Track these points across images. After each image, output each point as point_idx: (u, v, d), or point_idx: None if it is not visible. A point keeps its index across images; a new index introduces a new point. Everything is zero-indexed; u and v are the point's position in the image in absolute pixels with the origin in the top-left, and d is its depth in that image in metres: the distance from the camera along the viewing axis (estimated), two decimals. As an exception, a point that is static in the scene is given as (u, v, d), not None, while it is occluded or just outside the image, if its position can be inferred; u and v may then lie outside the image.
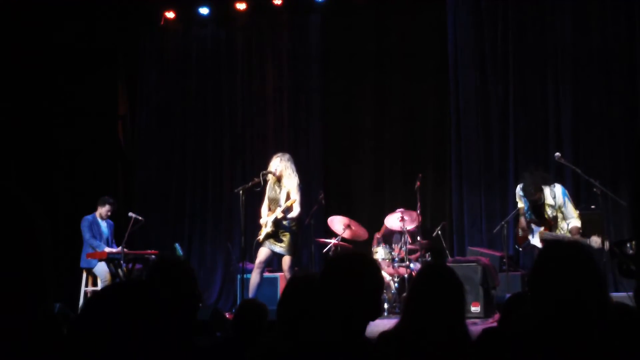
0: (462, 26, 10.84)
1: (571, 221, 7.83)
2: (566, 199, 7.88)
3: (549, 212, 7.92)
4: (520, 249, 8.46)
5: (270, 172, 8.56)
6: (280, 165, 8.47)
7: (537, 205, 7.98)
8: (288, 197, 8.38)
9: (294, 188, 8.40)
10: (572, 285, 2.41)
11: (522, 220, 8.11)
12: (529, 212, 8.08)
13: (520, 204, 8.21)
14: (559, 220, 7.92)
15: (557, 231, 7.88)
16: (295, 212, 8.41)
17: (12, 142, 11.19)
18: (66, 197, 11.11)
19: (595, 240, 7.46)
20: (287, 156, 8.59)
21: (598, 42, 10.22)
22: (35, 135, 11.29)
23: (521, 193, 8.09)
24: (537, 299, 2.49)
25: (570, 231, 7.79)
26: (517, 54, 10.55)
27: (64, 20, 11.05)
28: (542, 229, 7.97)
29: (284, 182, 8.46)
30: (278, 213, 8.30)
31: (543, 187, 7.86)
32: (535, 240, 8.00)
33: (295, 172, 8.53)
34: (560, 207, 7.87)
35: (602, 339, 2.35)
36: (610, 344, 2.35)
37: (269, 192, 8.61)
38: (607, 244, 7.53)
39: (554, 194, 7.92)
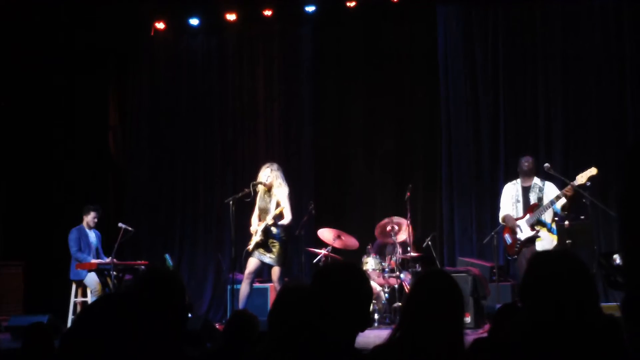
0: (452, 35, 10.89)
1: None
2: (556, 190, 8.09)
3: (536, 191, 8.11)
4: (515, 257, 8.40)
5: (261, 183, 8.59)
6: (271, 175, 8.50)
7: (527, 184, 8.21)
8: (278, 206, 8.40)
9: (284, 197, 8.44)
10: (565, 292, 2.42)
11: (510, 219, 8.20)
12: (512, 201, 8.19)
13: (505, 209, 8.27)
14: (543, 202, 8.05)
15: (542, 207, 8.00)
16: (286, 219, 8.43)
17: (2, 153, 11.17)
18: (56, 207, 11.08)
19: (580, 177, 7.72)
20: (275, 165, 8.63)
21: (588, 50, 10.30)
22: (26, 147, 11.28)
23: (514, 182, 8.35)
24: (530, 307, 2.50)
25: (553, 199, 7.93)
26: (507, 63, 10.61)
27: (54, 32, 11.05)
28: (527, 216, 8.05)
29: (274, 192, 8.49)
30: (268, 220, 8.32)
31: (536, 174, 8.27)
32: (525, 232, 8.04)
33: (285, 181, 8.57)
34: (547, 194, 8.08)
35: (593, 346, 2.36)
36: (600, 352, 2.37)
37: (259, 202, 8.63)
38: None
39: (544, 183, 8.21)
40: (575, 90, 10.35)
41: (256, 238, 8.43)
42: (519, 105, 10.57)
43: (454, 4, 10.94)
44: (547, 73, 10.48)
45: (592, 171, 7.68)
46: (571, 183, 7.75)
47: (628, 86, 10.14)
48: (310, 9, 11.16)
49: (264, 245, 8.39)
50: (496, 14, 10.75)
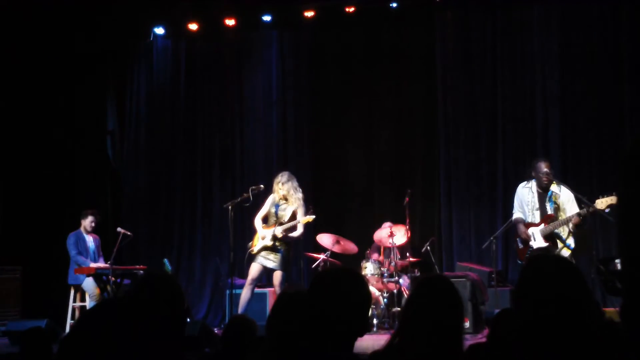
0: (451, 39, 10.91)
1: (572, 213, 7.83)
2: (572, 200, 7.90)
3: (553, 200, 7.92)
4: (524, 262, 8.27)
5: (259, 188, 8.64)
6: (283, 187, 8.52)
7: (543, 191, 7.97)
8: (292, 216, 8.46)
9: (302, 208, 8.47)
10: (558, 298, 2.42)
11: (522, 228, 8.04)
12: (529, 208, 8.04)
13: (518, 214, 8.15)
14: (560, 211, 7.90)
15: (557, 222, 7.84)
16: (299, 231, 8.50)
17: (0, 156, 11.16)
18: (55, 212, 11.06)
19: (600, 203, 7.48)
20: (286, 176, 8.64)
21: (586, 52, 10.33)
22: (24, 151, 11.27)
23: (529, 185, 8.08)
24: (524, 309, 2.50)
25: (569, 219, 7.74)
26: (506, 68, 10.63)
27: (54, 35, 11.06)
28: (542, 226, 7.89)
29: (292, 202, 8.51)
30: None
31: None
32: (539, 242, 7.87)
33: (299, 190, 8.60)
34: (564, 202, 7.87)
35: (591, 349, 2.36)
36: (598, 355, 2.37)
37: (271, 208, 8.61)
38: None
39: (560, 189, 7.95)
40: (574, 92, 10.37)
41: (264, 242, 8.43)
42: (517, 108, 10.58)
43: (452, 8, 10.96)
44: (545, 76, 10.50)
45: (613, 199, 7.37)
46: (588, 209, 7.61)
47: (626, 88, 10.16)
48: (309, 14, 11.16)
49: (272, 247, 8.41)
50: (494, 17, 10.77)
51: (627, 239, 2.46)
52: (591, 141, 10.23)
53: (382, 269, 9.46)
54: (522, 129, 10.55)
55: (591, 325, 2.41)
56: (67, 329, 9.35)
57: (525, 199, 8.12)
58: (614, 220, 7.95)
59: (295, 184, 8.63)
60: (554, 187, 7.96)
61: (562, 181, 8.38)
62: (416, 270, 9.59)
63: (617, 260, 7.45)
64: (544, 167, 7.93)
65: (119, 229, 9.63)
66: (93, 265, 9.53)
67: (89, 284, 9.41)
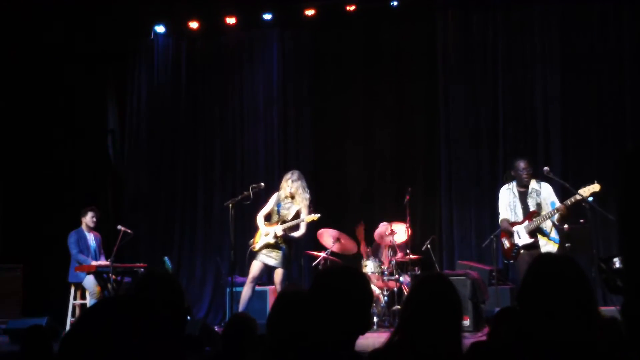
0: (451, 40, 10.90)
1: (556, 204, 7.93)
2: (553, 194, 8.04)
3: (534, 196, 8.03)
4: (511, 261, 8.39)
5: (260, 186, 8.63)
6: (292, 185, 8.51)
7: (523, 189, 8.09)
8: (296, 215, 8.43)
9: (306, 208, 8.46)
10: (563, 298, 2.42)
11: (505, 224, 8.15)
12: (512, 207, 8.12)
13: (504, 214, 8.22)
14: (542, 207, 7.97)
15: (541, 217, 7.92)
16: (301, 231, 8.49)
17: (1, 154, 11.17)
18: (56, 210, 11.07)
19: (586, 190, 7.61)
20: (296, 175, 8.62)
21: (587, 51, 10.34)
22: (24, 150, 11.27)
23: (509, 186, 8.21)
24: (528, 313, 2.50)
25: (557, 209, 7.81)
26: (506, 67, 10.62)
27: (55, 34, 11.06)
28: (526, 222, 7.98)
29: (297, 201, 8.50)
30: (278, 230, 8.34)
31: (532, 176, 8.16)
32: (523, 239, 7.95)
33: (307, 190, 8.58)
34: (545, 199, 7.99)
35: (592, 352, 2.36)
36: (600, 354, 2.37)
37: (273, 205, 8.61)
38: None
39: (540, 185, 8.10)
40: (574, 91, 10.38)
41: (266, 239, 8.42)
42: (517, 107, 10.59)
43: (453, 7, 10.96)
44: (545, 75, 10.50)
45: (595, 187, 7.57)
46: (572, 199, 7.71)
47: (627, 87, 10.17)
48: (309, 12, 11.16)
49: (274, 244, 8.40)
50: (495, 16, 10.77)
51: (627, 238, 2.46)
52: (592, 140, 10.24)
53: (382, 267, 9.46)
54: (523, 128, 10.56)
55: (593, 324, 2.41)
56: (68, 327, 9.35)
57: (507, 199, 8.26)
58: (614, 218, 7.97)
59: (304, 183, 8.62)
60: (533, 184, 8.07)
61: (563, 179, 8.41)
62: (416, 269, 9.57)
63: (616, 259, 7.48)
64: (522, 165, 8.12)
65: (119, 227, 9.63)
66: (94, 263, 9.53)
67: (89, 281, 9.41)
